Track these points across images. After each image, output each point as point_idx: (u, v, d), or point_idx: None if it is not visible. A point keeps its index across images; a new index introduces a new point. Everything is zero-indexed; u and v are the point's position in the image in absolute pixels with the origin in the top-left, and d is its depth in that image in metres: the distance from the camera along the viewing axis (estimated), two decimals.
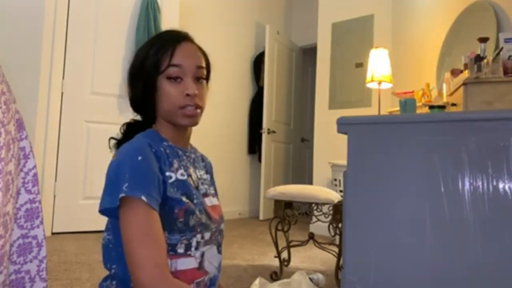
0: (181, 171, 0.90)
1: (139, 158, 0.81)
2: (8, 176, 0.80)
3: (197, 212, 0.87)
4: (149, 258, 0.75)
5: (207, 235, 0.90)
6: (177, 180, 0.87)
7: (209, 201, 0.96)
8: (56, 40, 3.09)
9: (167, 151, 0.89)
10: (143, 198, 0.77)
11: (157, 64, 0.89)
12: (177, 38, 0.92)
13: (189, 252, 0.86)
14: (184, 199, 0.85)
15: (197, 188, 0.93)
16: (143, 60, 0.91)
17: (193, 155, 0.99)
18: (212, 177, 1.07)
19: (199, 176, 0.97)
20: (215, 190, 1.05)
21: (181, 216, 0.84)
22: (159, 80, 0.89)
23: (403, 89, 2.94)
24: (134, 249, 0.76)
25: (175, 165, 0.89)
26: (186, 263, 0.86)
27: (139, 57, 0.92)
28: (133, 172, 0.80)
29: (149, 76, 0.89)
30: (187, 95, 0.89)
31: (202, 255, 0.89)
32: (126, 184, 0.78)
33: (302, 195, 2.23)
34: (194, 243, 0.86)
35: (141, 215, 0.77)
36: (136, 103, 0.94)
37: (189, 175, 0.92)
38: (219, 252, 0.96)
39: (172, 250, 0.84)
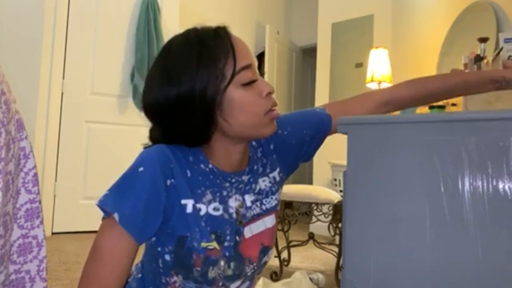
0: (215, 204, 0.74)
1: (140, 169, 0.68)
2: (8, 176, 0.80)
3: (222, 262, 0.73)
4: (96, 277, 0.68)
5: (234, 285, 0.76)
6: (207, 214, 0.73)
7: (255, 227, 0.79)
8: (56, 40, 3.09)
9: (200, 177, 0.73)
10: (115, 216, 0.66)
11: (220, 74, 0.69)
12: (224, 34, 0.75)
13: None
14: (207, 242, 0.71)
15: (240, 222, 0.77)
16: (190, 82, 0.68)
17: (246, 177, 0.79)
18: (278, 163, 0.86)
19: (249, 204, 0.79)
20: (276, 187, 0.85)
21: (198, 264, 0.70)
22: (227, 93, 0.69)
23: None
24: (86, 265, 0.71)
25: (208, 196, 0.74)
26: None
27: (181, 83, 0.68)
28: (121, 183, 0.69)
29: (212, 96, 0.69)
30: (268, 94, 0.72)
31: None
32: (107, 193, 0.68)
33: (302, 195, 2.23)
34: None
35: (105, 232, 0.70)
36: (190, 135, 0.72)
37: (229, 208, 0.76)
38: (251, 285, 0.83)
39: None
